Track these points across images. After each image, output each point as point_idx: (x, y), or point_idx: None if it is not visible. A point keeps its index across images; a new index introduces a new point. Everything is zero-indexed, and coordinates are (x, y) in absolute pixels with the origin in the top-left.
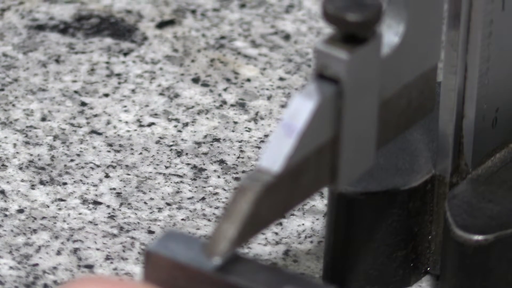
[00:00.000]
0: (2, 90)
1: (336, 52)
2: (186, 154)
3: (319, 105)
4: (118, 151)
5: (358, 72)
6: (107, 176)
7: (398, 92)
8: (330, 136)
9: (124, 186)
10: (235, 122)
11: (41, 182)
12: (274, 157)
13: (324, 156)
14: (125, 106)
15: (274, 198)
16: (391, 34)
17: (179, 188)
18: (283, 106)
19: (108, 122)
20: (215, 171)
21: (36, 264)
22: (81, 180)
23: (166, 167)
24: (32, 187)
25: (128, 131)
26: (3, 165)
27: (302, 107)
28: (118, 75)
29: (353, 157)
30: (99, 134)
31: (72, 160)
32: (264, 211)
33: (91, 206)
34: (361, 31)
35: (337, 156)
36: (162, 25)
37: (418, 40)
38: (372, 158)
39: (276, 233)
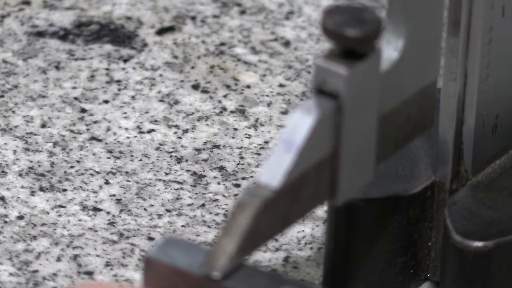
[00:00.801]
0: (2, 96)
1: (335, 67)
2: (186, 160)
3: (318, 120)
4: (118, 158)
5: (357, 88)
6: (107, 182)
7: (397, 107)
8: (329, 151)
9: (124, 193)
10: (235, 129)
11: (41, 189)
12: (274, 172)
13: (323, 171)
14: (125, 113)
15: (274, 213)
16: (390, 50)
17: (179, 195)
18: (283, 113)
19: (108, 129)
20: (215, 177)
21: (36, 271)
22: (81, 187)
23: (166, 174)
24: (32, 193)
25: (128, 137)
26: (3, 171)
27: (302, 123)
28: (118, 81)
29: (352, 172)
30: (99, 140)
31: (72, 167)
32: (263, 226)
33: (91, 212)
34: (360, 47)
35: (337, 171)
36: (162, 31)
37: (417, 55)
38: (371, 172)
39: (276, 240)
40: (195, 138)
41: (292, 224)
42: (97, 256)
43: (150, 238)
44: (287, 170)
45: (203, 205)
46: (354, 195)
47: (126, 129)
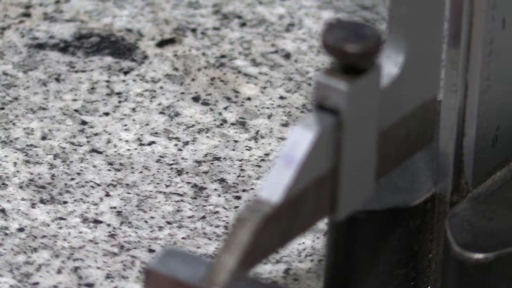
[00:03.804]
0: (3, 109)
1: (336, 83)
2: (187, 172)
3: (318, 136)
4: (119, 170)
5: (357, 103)
6: (107, 194)
7: (397, 123)
8: (330, 167)
9: (125, 205)
10: (236, 141)
11: (42, 201)
12: (274, 188)
13: (323, 187)
14: (125, 125)
15: (274, 228)
16: (390, 65)
17: (179, 207)
18: (283, 125)
19: (109, 141)
20: (215, 189)
21: (37, 283)
22: (81, 199)
23: (167, 186)
24: (33, 205)
25: (128, 149)
26: (3, 183)
27: (302, 138)
28: (119, 93)
29: (352, 187)
30: (100, 153)
31: (72, 179)
32: (263, 241)
33: (91, 224)
34: (360, 62)
35: (337, 187)
36: (162, 43)
37: (418, 71)
38: (371, 188)
39: (277, 252)
40: (195, 150)
41: (293, 239)
42: (98, 268)
43: (151, 250)
44: (287, 185)
45: (203, 217)
46: (355, 210)
47: (127, 141)
